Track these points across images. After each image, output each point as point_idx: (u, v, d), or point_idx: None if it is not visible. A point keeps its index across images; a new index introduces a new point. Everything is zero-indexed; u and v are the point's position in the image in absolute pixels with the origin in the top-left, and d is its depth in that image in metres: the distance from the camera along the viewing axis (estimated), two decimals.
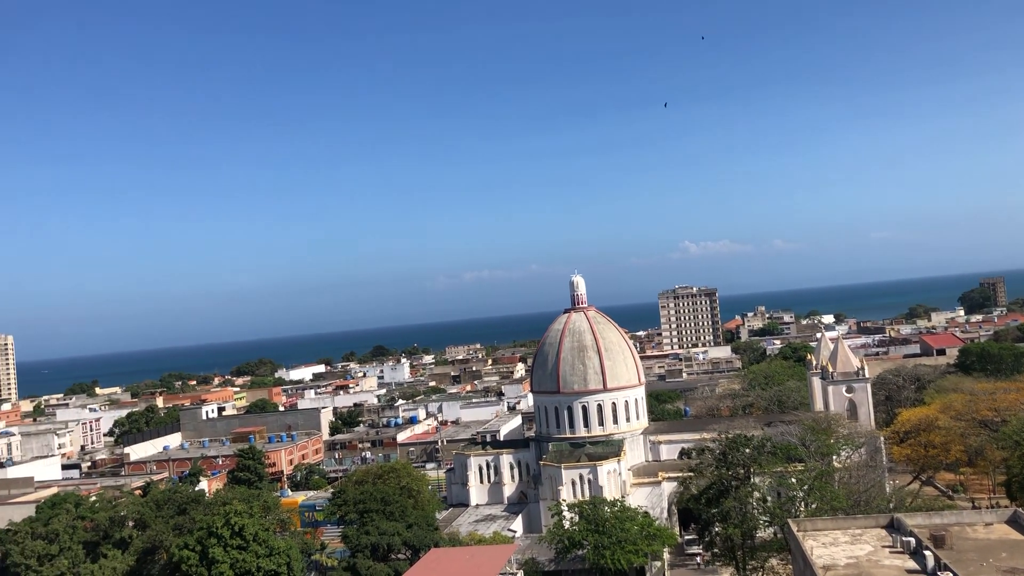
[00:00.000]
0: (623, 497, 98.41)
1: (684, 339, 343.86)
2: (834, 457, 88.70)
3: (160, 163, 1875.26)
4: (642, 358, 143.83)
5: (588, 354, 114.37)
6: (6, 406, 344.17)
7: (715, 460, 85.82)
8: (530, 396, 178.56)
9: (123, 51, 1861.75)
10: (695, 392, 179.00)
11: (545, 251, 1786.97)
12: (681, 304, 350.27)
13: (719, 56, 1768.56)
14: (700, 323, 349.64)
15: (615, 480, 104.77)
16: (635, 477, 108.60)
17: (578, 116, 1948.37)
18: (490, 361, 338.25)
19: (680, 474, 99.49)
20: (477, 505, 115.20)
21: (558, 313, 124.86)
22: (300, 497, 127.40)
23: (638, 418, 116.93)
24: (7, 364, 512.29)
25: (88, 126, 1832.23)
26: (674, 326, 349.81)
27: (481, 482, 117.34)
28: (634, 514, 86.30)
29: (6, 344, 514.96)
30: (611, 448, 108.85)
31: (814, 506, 74.81)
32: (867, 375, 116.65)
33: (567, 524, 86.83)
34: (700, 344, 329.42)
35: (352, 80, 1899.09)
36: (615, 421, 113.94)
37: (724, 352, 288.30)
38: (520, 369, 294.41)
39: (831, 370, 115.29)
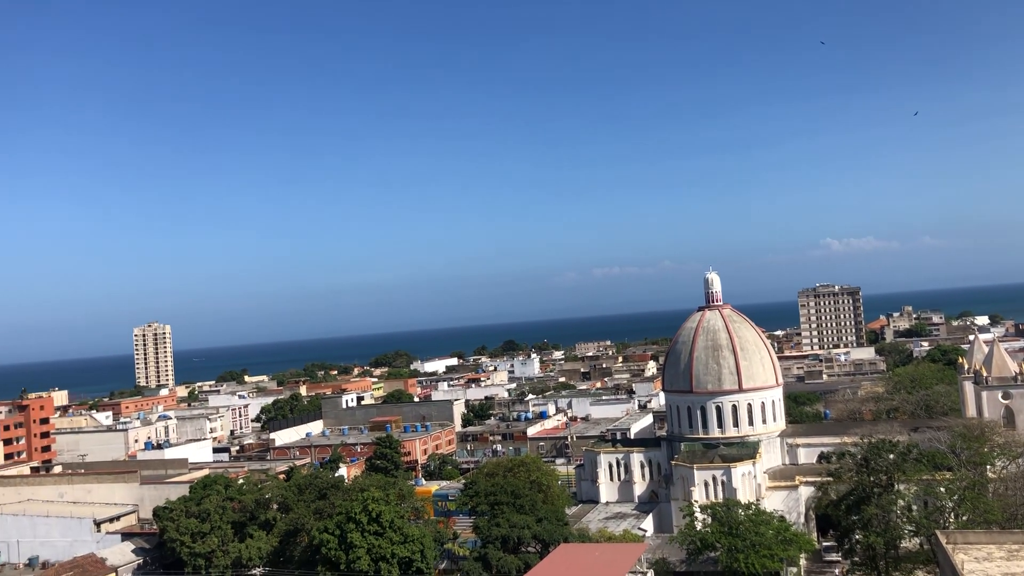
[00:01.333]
0: (758, 500, 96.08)
1: (825, 339, 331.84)
2: (988, 467, 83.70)
3: (301, 157, 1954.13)
4: (780, 359, 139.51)
5: (723, 353, 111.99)
6: (164, 391, 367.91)
7: (856, 465, 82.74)
8: (661, 395, 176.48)
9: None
10: (836, 394, 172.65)
11: (678, 247, 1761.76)
12: (822, 303, 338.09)
13: (857, 49, 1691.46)
14: (842, 323, 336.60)
15: (749, 483, 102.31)
16: (771, 480, 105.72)
17: (714, 111, 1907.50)
18: (620, 358, 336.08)
19: (819, 479, 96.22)
20: (607, 502, 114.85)
21: (691, 311, 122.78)
22: (434, 486, 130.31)
23: (775, 420, 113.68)
24: (166, 352, 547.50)
25: (239, 122, 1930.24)
26: (814, 326, 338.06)
27: (611, 479, 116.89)
28: (769, 518, 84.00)
29: (164, 333, 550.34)
30: (746, 450, 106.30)
31: (965, 518, 70.89)
32: None
33: (699, 525, 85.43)
34: (842, 345, 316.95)
35: (483, 79, 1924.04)
36: (750, 422, 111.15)
37: (867, 353, 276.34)
38: (651, 367, 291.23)
39: (985, 374, 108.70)
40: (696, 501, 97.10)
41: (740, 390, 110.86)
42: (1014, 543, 56.21)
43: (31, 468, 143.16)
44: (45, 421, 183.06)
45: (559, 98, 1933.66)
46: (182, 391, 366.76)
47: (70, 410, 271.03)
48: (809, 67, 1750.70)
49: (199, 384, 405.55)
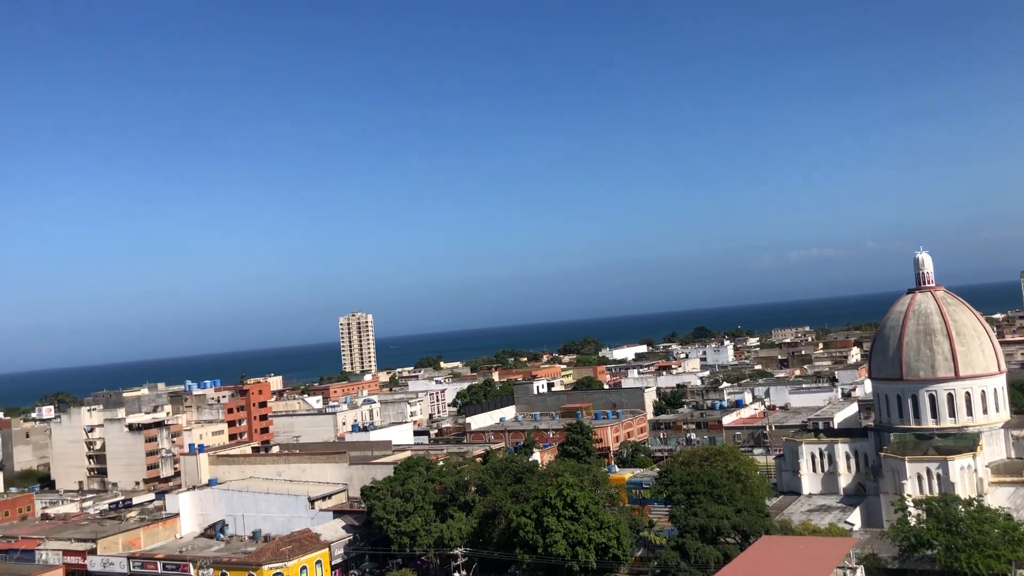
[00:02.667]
0: (980, 496, 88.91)
1: None
2: None
3: (483, 152, 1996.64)
4: (1001, 343, 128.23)
5: (936, 338, 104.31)
6: (367, 377, 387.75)
7: None
8: (867, 382, 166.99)
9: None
10: None
11: (881, 227, 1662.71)
12: None
13: None
14: None
15: (969, 477, 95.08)
16: (994, 475, 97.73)
17: (924, 74, 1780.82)
18: (821, 345, 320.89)
19: None
20: (809, 494, 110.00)
21: (899, 294, 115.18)
22: (627, 474, 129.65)
23: (997, 410, 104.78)
24: (368, 340, 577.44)
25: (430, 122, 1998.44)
26: None
27: (814, 471, 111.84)
28: (994, 515, 77.59)
29: (367, 322, 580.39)
30: (965, 442, 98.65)
31: None
32: None
33: (913, 521, 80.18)
34: None
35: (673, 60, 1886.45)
36: (969, 412, 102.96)
37: None
38: (855, 354, 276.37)
39: None
40: (909, 495, 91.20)
41: (956, 377, 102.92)
42: None
43: (252, 448, 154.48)
44: (263, 404, 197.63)
45: (749, 76, 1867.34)
46: (384, 376, 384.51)
47: (284, 394, 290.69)
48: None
49: (399, 370, 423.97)
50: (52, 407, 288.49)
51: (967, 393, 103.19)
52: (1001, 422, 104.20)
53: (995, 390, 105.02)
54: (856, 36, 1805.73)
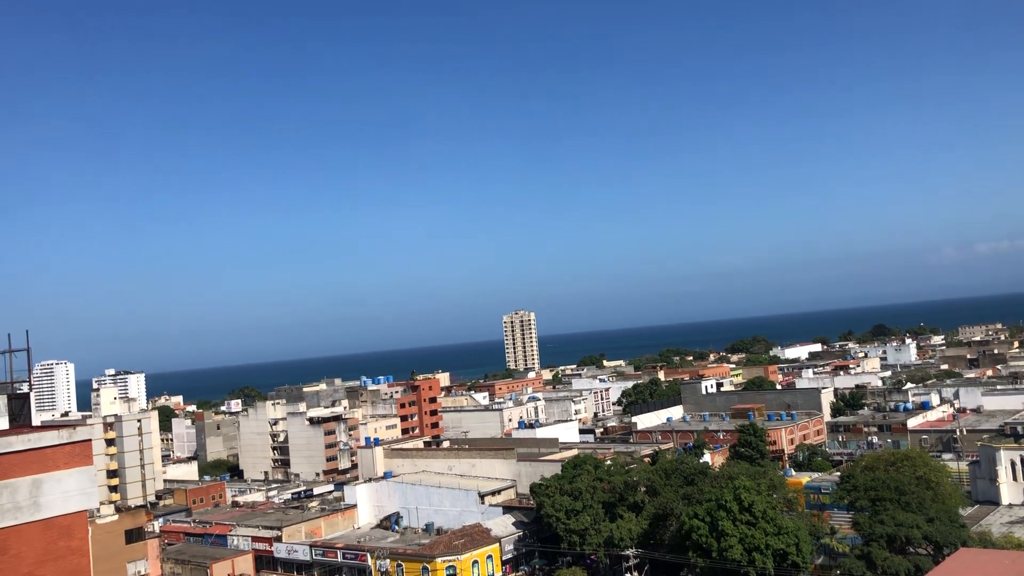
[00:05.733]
0: None
1: None
2: None
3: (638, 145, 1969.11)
4: None
5: None
6: (531, 374, 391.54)
7: None
8: None
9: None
10: None
11: None
12: None
13: None
14: None
15: None
16: None
17: None
18: (1016, 343, 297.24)
19: None
20: (1010, 504, 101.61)
21: None
22: (804, 478, 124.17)
23: None
24: (531, 337, 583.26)
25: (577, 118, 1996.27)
26: None
27: (1014, 479, 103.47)
28: None
29: (530, 320, 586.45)
30: None
31: None
32: None
33: None
34: None
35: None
36: None
37: None
38: None
39: None
40: None
41: None
42: None
43: (424, 442, 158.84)
44: (433, 400, 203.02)
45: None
46: (547, 374, 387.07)
47: (452, 390, 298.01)
48: None
49: (562, 368, 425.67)
50: (239, 401, 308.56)
51: None
52: None
53: None
54: None
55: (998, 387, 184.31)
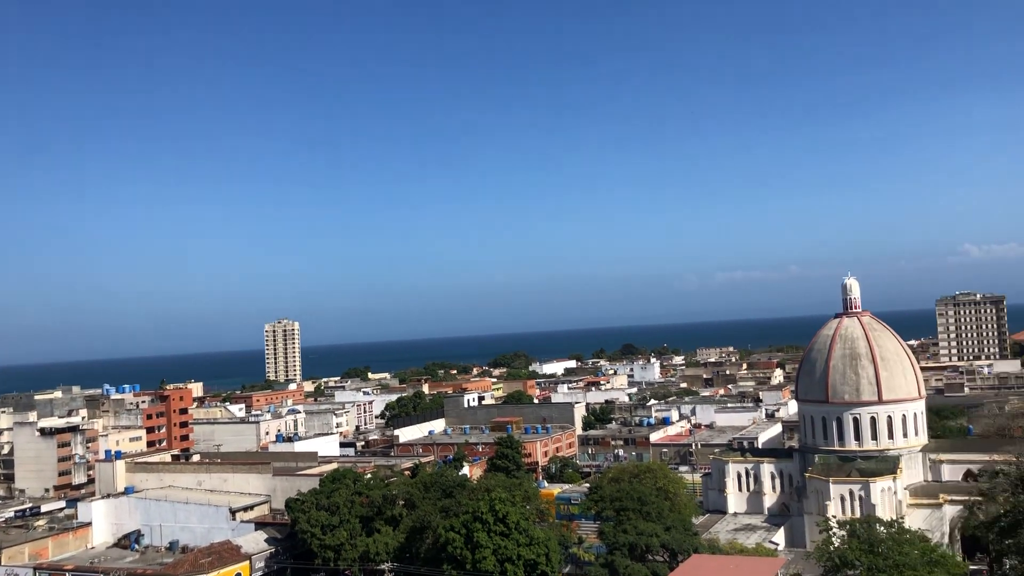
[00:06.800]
0: (899, 518, 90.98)
1: (964, 350, 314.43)
2: None
3: (424, 162, 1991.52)
4: None
5: (862, 363, 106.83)
6: (292, 386, 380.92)
7: (1011, 485, 77.14)
8: (791, 404, 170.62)
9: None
10: (980, 409, 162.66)
11: (806, 252, 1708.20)
12: (962, 312, 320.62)
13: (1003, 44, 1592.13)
14: (984, 333, 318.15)
15: (889, 499, 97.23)
16: (912, 497, 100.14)
17: (846, 110, 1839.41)
18: (745, 365, 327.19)
19: (966, 498, 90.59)
20: (735, 513, 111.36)
21: (823, 318, 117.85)
22: (556, 489, 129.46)
23: (916, 434, 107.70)
24: (294, 348, 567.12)
25: (366, 130, 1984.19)
26: (953, 336, 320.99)
27: (740, 490, 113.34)
28: (914, 537, 79.29)
29: (293, 329, 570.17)
30: (886, 464, 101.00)
31: None
32: None
33: (836, 542, 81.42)
34: (983, 357, 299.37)
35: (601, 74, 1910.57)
36: (890, 436, 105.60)
37: (1013, 366, 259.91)
38: (778, 375, 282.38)
39: None
40: (833, 516, 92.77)
41: (880, 401, 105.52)
42: None
43: (172, 456, 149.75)
44: (184, 411, 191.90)
45: (675, 98, 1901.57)
46: (309, 386, 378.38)
47: (206, 401, 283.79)
48: (945, 64, 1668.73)
49: (325, 380, 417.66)
50: None
51: (889, 417, 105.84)
52: (919, 446, 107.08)
53: (915, 414, 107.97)
54: (783, 66, 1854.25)
55: (728, 405, 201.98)
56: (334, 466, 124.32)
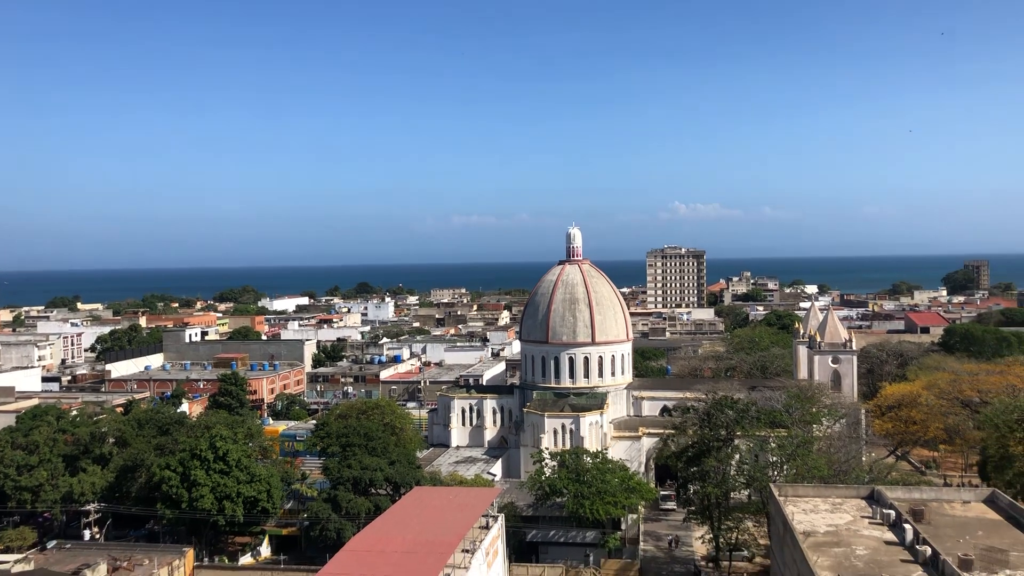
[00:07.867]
0: (604, 449, 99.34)
1: (668, 299, 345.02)
2: (815, 426, 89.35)
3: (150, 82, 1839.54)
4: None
5: (579, 307, 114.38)
6: None
7: (699, 420, 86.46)
8: (515, 344, 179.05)
9: None
10: (678, 351, 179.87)
11: (535, 202, 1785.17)
12: (668, 264, 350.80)
13: (730, 20, 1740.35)
14: (686, 284, 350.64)
15: (596, 432, 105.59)
16: (616, 430, 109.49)
17: (585, 69, 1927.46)
18: (475, 307, 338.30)
19: (661, 431, 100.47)
20: (458, 447, 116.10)
21: (546, 264, 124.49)
22: (281, 426, 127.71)
23: (623, 373, 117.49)
24: None
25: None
26: (659, 285, 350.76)
27: (463, 425, 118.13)
28: (615, 467, 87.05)
29: None
30: (595, 400, 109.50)
31: (793, 472, 75.56)
32: (854, 347, 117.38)
33: (548, 472, 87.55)
34: (684, 305, 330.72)
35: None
36: (600, 374, 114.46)
37: (707, 314, 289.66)
38: (505, 316, 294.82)
39: (819, 340, 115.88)
40: (546, 448, 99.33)
41: (593, 343, 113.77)
42: (837, 497, 60.64)
43: None
44: None
45: (433, 50, 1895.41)
46: (6, 315, 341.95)
47: None
48: (687, 34, 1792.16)
49: (26, 309, 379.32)
50: None
51: (600, 357, 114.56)
52: (625, 384, 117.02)
53: (623, 355, 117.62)
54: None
55: (458, 344, 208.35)
56: (35, 402, 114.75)
